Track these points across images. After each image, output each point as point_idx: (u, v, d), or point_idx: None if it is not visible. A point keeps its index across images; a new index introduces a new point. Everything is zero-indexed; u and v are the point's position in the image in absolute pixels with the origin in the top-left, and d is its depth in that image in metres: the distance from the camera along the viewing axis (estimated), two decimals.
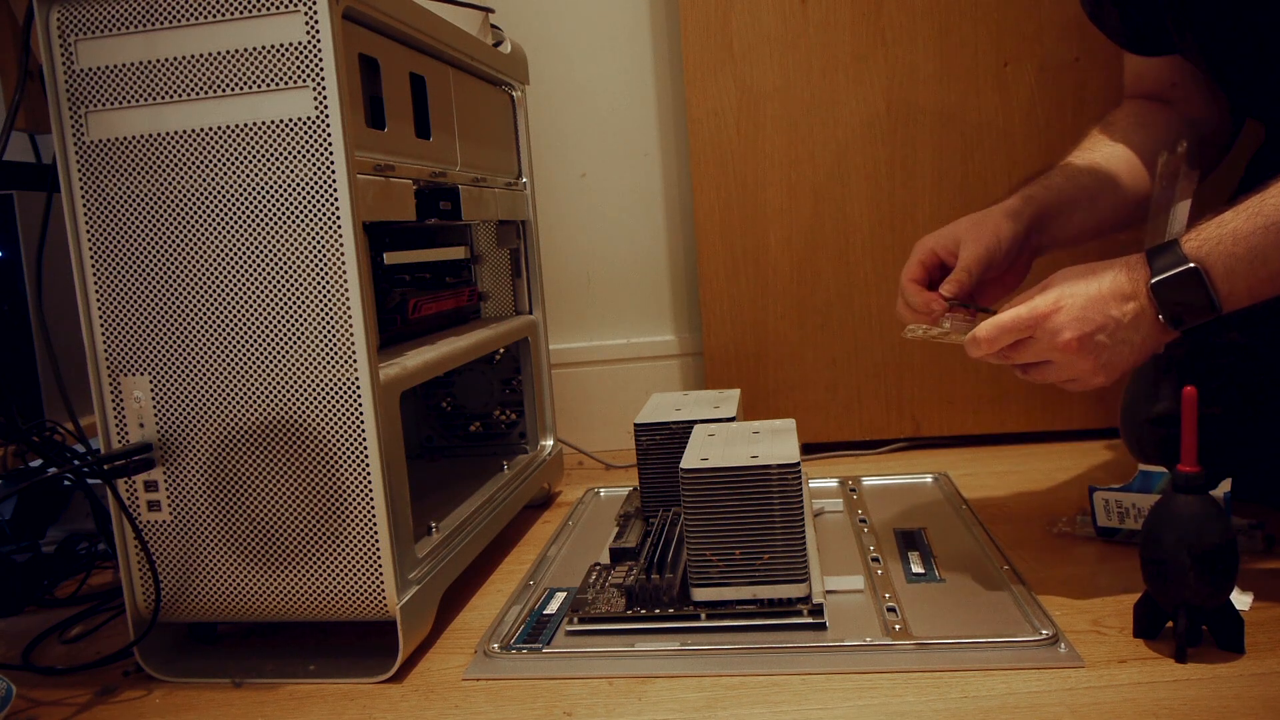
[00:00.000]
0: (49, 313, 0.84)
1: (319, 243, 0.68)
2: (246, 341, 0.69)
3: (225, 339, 0.69)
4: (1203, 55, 0.86)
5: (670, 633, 0.72)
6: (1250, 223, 0.67)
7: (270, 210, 0.68)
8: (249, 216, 0.68)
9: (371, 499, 0.69)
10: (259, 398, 0.70)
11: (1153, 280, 0.69)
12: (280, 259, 0.68)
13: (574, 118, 1.38)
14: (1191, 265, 0.68)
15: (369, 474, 0.69)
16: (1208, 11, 0.82)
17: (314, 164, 0.67)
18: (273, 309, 0.69)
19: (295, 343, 0.69)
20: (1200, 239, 0.69)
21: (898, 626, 0.71)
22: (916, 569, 0.82)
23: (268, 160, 0.67)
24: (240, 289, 0.69)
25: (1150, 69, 0.94)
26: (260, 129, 0.67)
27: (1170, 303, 0.69)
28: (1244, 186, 0.96)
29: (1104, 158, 0.92)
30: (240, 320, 0.69)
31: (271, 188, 0.68)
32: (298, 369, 0.69)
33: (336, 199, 0.67)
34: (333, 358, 0.69)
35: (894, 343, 1.26)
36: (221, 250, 0.69)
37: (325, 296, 0.68)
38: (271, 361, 0.69)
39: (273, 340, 0.69)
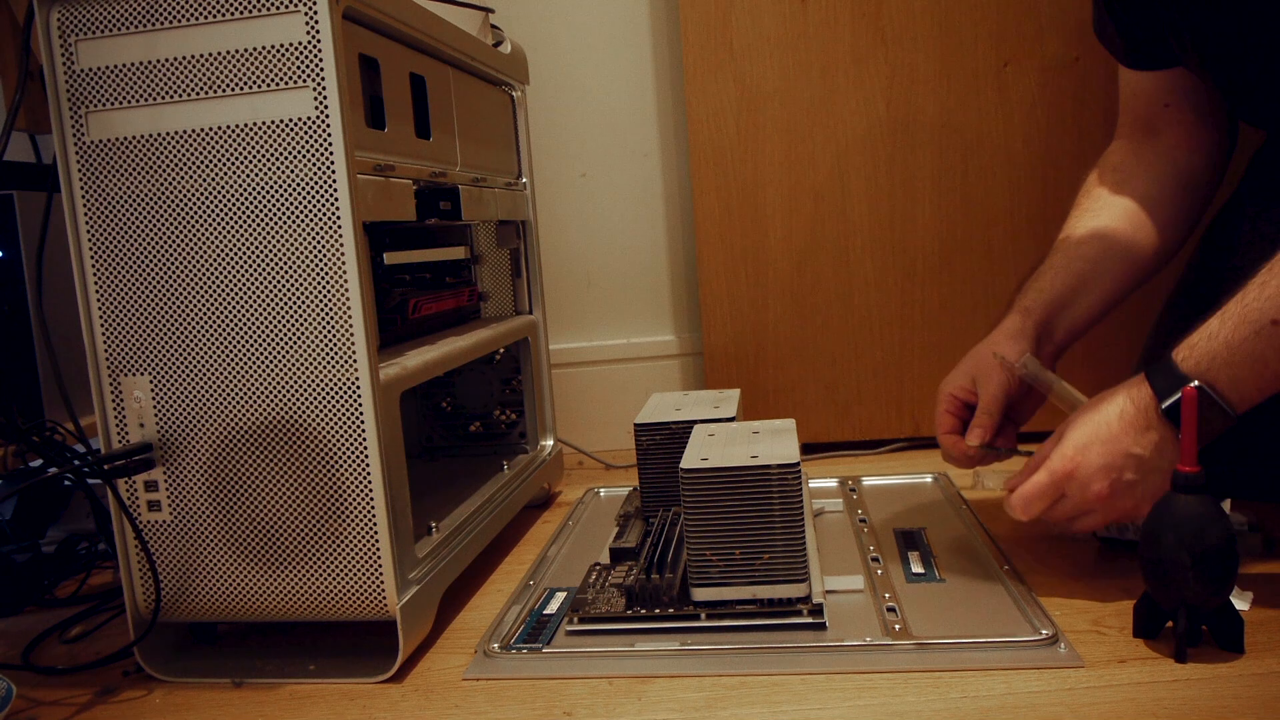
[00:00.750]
0: (49, 313, 0.84)
1: (319, 243, 0.68)
2: (247, 341, 0.69)
3: (225, 339, 0.69)
4: (1202, 63, 0.86)
5: (670, 633, 0.72)
6: (1239, 331, 0.68)
7: (270, 210, 0.68)
8: (249, 216, 0.68)
9: (371, 499, 0.69)
10: (259, 398, 0.70)
11: (1163, 406, 0.69)
12: (280, 259, 0.68)
13: (574, 118, 1.38)
14: (1197, 384, 0.68)
15: (369, 474, 0.69)
16: (1207, 21, 0.82)
17: (314, 164, 0.67)
18: (273, 309, 0.69)
19: (295, 343, 0.69)
20: (1196, 356, 0.69)
21: (898, 626, 0.71)
22: (916, 569, 0.82)
23: (268, 160, 0.67)
24: (240, 289, 0.69)
25: (1144, 86, 0.94)
26: (260, 129, 0.67)
27: None
28: (1245, 187, 0.96)
29: (1102, 221, 0.92)
30: (240, 320, 0.69)
31: (271, 188, 0.68)
32: (298, 369, 0.69)
33: (336, 199, 0.67)
34: (333, 358, 0.69)
35: (894, 343, 1.26)
36: (222, 250, 0.69)
37: (325, 296, 0.68)
38: (272, 361, 0.69)
39: (273, 340, 0.69)
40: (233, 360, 0.70)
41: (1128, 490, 0.71)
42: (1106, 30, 0.94)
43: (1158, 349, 0.98)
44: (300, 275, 0.68)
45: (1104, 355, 1.23)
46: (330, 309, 0.68)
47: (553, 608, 0.80)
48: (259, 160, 0.68)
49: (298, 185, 0.67)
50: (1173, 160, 0.92)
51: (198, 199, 0.69)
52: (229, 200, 0.68)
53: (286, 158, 0.67)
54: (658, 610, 0.73)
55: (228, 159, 0.68)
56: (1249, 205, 0.93)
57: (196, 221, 0.69)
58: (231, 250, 0.69)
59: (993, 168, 1.22)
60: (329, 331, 0.68)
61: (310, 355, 0.69)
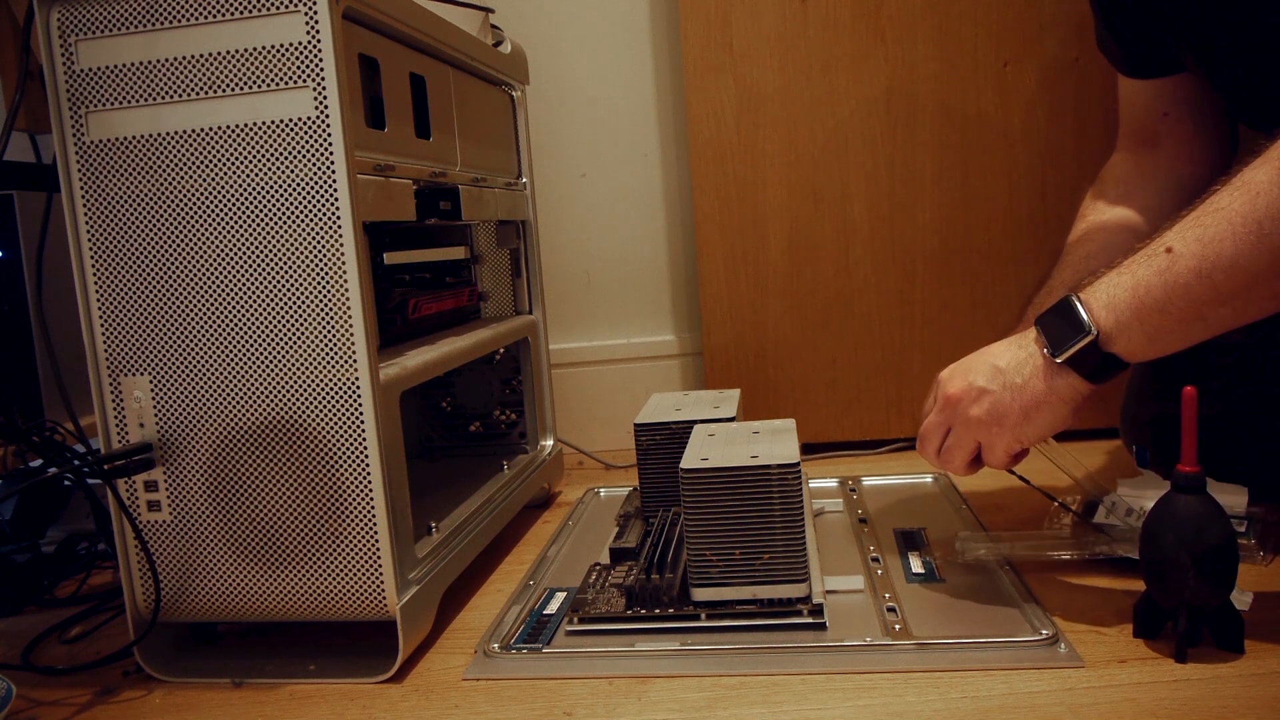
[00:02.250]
0: (49, 313, 0.84)
1: (319, 243, 0.68)
2: (247, 341, 0.69)
3: (225, 339, 0.69)
4: (1203, 70, 0.86)
5: (670, 633, 0.72)
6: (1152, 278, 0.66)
7: (270, 210, 0.68)
8: (249, 216, 0.68)
9: (371, 499, 0.69)
10: (259, 398, 0.70)
11: (1058, 359, 0.69)
12: (280, 259, 0.68)
13: (574, 118, 1.38)
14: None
15: (369, 474, 0.69)
16: (1208, 27, 0.82)
17: (314, 164, 0.67)
18: (273, 309, 0.69)
19: (295, 343, 0.69)
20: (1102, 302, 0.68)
21: (898, 626, 0.71)
22: (916, 569, 0.82)
23: (268, 160, 0.67)
24: (240, 289, 0.69)
25: (1143, 96, 0.94)
26: (260, 129, 0.67)
27: (1051, 334, 0.69)
28: None
29: (1107, 229, 0.92)
30: (240, 320, 0.69)
31: (271, 188, 0.68)
32: (298, 369, 0.69)
33: (336, 199, 0.67)
34: (333, 358, 0.69)
35: (894, 343, 1.26)
36: (222, 250, 0.69)
37: (325, 296, 0.68)
38: (271, 361, 0.69)
39: (273, 340, 0.69)
40: (233, 360, 0.70)
41: (977, 398, 0.71)
42: (1107, 42, 0.94)
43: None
44: (300, 275, 0.68)
45: None
46: (330, 309, 0.68)
47: (553, 608, 0.80)
48: (259, 160, 0.68)
49: (298, 185, 0.67)
50: (1174, 170, 0.92)
51: (198, 199, 0.69)
52: (229, 200, 0.68)
53: (286, 158, 0.67)
54: (658, 610, 0.73)
55: (228, 159, 0.68)
56: None
57: (196, 221, 0.69)
58: (231, 250, 0.69)
59: (993, 167, 1.22)
60: (329, 331, 0.68)
61: (310, 355, 0.69)
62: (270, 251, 0.68)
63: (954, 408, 0.74)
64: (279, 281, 0.68)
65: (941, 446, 0.76)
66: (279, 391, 0.69)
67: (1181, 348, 0.67)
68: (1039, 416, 0.70)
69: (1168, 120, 0.93)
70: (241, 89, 0.67)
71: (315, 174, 0.67)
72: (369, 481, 0.69)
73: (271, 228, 0.68)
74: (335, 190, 0.67)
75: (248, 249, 0.68)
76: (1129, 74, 0.94)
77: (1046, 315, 0.69)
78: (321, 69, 0.66)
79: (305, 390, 0.69)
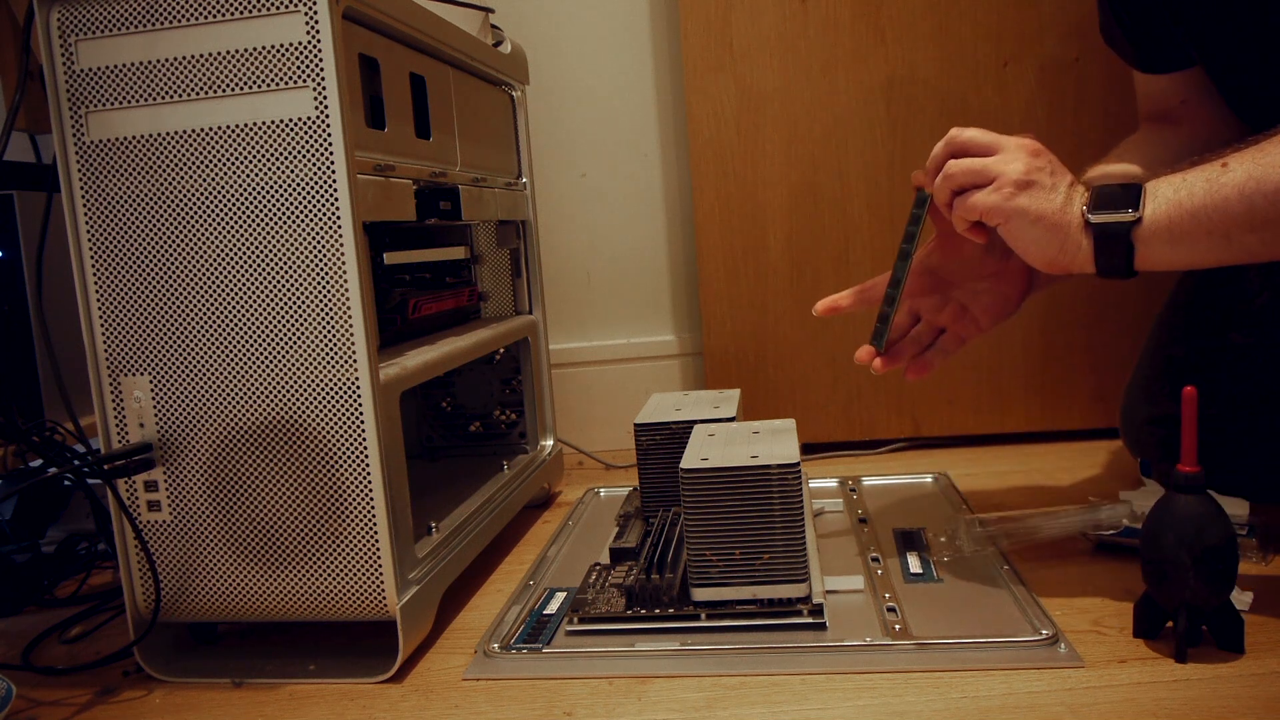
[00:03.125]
0: (49, 313, 0.84)
1: (319, 243, 0.68)
2: (247, 341, 0.69)
3: (225, 339, 0.69)
4: (1208, 71, 0.86)
5: (670, 633, 0.72)
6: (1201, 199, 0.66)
7: (270, 210, 0.68)
8: (249, 216, 0.68)
9: (371, 499, 0.69)
10: (259, 398, 0.70)
11: (1092, 220, 0.69)
12: (280, 259, 0.68)
13: (574, 118, 1.38)
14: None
15: (369, 474, 0.69)
16: (1212, 30, 0.82)
17: (314, 164, 0.67)
18: (273, 309, 0.69)
19: (295, 343, 0.69)
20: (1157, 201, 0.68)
21: (898, 626, 0.71)
22: (916, 569, 0.82)
23: (268, 160, 0.67)
24: (240, 289, 0.69)
25: (1158, 86, 0.93)
26: (260, 129, 0.67)
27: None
28: None
29: (1125, 159, 0.91)
30: (240, 320, 0.69)
31: (271, 188, 0.68)
32: (298, 369, 0.69)
33: (336, 199, 0.67)
34: (333, 358, 0.69)
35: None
36: (222, 250, 0.69)
37: (325, 296, 0.68)
38: (271, 361, 0.69)
39: (273, 340, 0.69)
40: (233, 360, 0.70)
41: (1033, 168, 0.71)
42: (1115, 37, 0.93)
43: (1159, 349, 0.98)
44: (300, 275, 0.68)
45: (1105, 356, 1.23)
46: (330, 309, 0.68)
47: (553, 608, 0.80)
48: (259, 160, 0.68)
49: (298, 185, 0.67)
50: (1197, 136, 0.91)
51: (198, 199, 0.69)
52: (229, 200, 0.68)
53: (286, 158, 0.67)
54: (658, 610, 0.73)
55: (228, 159, 0.68)
56: None
57: (196, 221, 0.69)
58: (231, 250, 0.69)
59: None
60: (329, 331, 0.68)
61: (310, 355, 0.69)
62: (270, 252, 0.68)
63: (1025, 157, 0.71)
64: (279, 282, 0.68)
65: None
66: (279, 391, 0.69)
67: (1199, 264, 0.67)
68: (1050, 245, 0.70)
69: (1187, 105, 0.92)
70: (241, 89, 0.67)
71: (315, 174, 0.67)
72: (369, 481, 0.69)
73: (271, 228, 0.68)
74: (335, 190, 0.67)
75: (248, 249, 0.68)
76: (1143, 69, 0.94)
77: (1108, 186, 0.70)
78: (321, 69, 0.66)
79: (305, 390, 0.69)
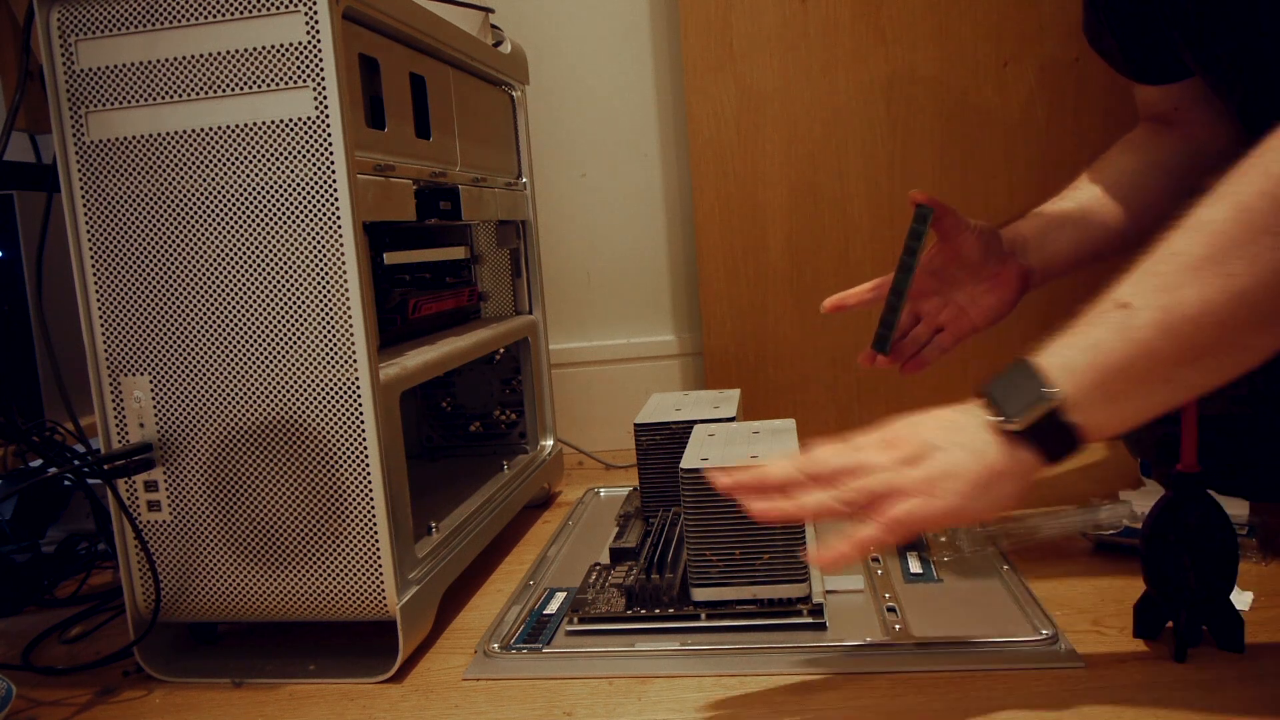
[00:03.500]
0: (49, 313, 0.84)
1: (319, 243, 0.68)
2: (247, 341, 0.69)
3: (225, 339, 0.69)
4: (1205, 79, 0.86)
5: (670, 633, 0.72)
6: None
7: (270, 210, 0.68)
8: (249, 216, 0.68)
9: (371, 499, 0.69)
10: (259, 398, 0.70)
11: (1016, 430, 0.58)
12: (280, 259, 0.68)
13: (574, 118, 1.38)
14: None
15: (369, 474, 0.69)
16: (1207, 39, 0.82)
17: (314, 164, 0.67)
18: (273, 309, 0.69)
19: (295, 343, 0.69)
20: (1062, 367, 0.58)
21: (898, 626, 0.71)
22: (916, 569, 0.82)
23: (268, 160, 0.67)
24: (240, 289, 0.69)
25: (1154, 94, 0.93)
26: (260, 129, 0.67)
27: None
28: None
29: (1090, 185, 0.91)
30: (240, 320, 0.69)
31: (271, 188, 0.68)
32: (298, 369, 0.69)
33: (336, 199, 0.67)
34: (333, 358, 0.69)
35: None
36: (222, 250, 0.69)
37: (325, 296, 0.68)
38: (272, 361, 0.69)
39: (273, 340, 0.69)
40: (233, 360, 0.70)
41: (945, 462, 0.58)
42: (1109, 49, 0.93)
43: None
44: (300, 275, 0.68)
45: None
46: (330, 309, 0.68)
47: (553, 608, 0.80)
48: (259, 160, 0.68)
49: (298, 185, 0.67)
50: (1193, 139, 0.91)
51: (198, 199, 0.69)
52: (229, 200, 0.68)
53: (286, 158, 0.67)
54: (658, 610, 0.73)
55: (228, 159, 0.68)
56: None
57: (196, 221, 0.69)
58: (231, 250, 0.69)
59: (992, 167, 1.22)
60: (329, 331, 0.68)
61: (310, 355, 0.69)
62: (270, 251, 0.68)
63: (890, 450, 0.60)
64: (279, 282, 0.68)
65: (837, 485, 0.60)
66: (279, 391, 0.69)
67: (1147, 418, 0.58)
68: (999, 488, 0.58)
69: (1180, 110, 0.92)
70: (241, 89, 0.67)
71: (315, 174, 0.67)
72: (369, 481, 0.69)
73: (271, 228, 0.68)
74: (335, 190, 0.67)
75: (248, 249, 0.68)
76: (1133, 80, 0.94)
77: (996, 381, 0.60)
78: (321, 69, 0.66)
79: (305, 390, 0.69)
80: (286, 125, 0.67)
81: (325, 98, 0.66)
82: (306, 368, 0.69)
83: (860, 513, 0.59)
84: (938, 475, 0.58)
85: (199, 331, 0.70)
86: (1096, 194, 0.90)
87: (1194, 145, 0.91)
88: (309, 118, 0.66)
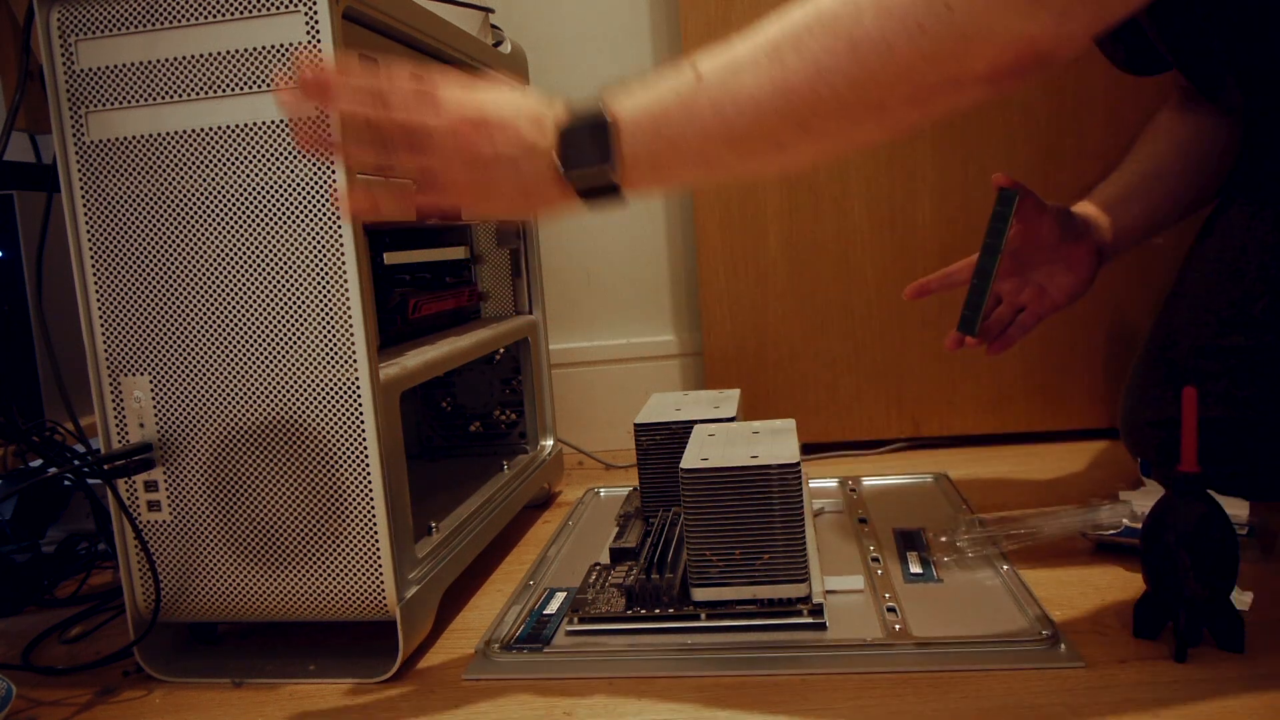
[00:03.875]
0: (49, 313, 0.84)
1: (319, 243, 0.68)
2: (247, 341, 0.69)
3: (225, 339, 0.69)
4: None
5: (670, 633, 0.72)
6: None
7: (270, 210, 0.68)
8: (249, 216, 0.68)
9: (371, 499, 0.69)
10: (259, 398, 0.70)
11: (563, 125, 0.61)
12: (280, 259, 0.68)
13: None
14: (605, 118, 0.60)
15: (369, 474, 0.69)
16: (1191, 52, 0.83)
17: (314, 164, 0.67)
18: (273, 309, 0.69)
19: (295, 343, 0.69)
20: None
21: (898, 626, 0.71)
22: (916, 569, 0.82)
23: (268, 160, 0.67)
24: (240, 289, 0.69)
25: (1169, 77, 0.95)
26: (260, 129, 0.67)
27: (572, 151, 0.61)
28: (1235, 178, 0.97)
29: (1148, 152, 0.94)
30: (240, 320, 0.69)
31: (271, 188, 0.68)
32: (298, 369, 0.69)
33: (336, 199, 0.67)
34: (333, 358, 0.69)
35: (894, 343, 1.26)
36: (222, 250, 0.69)
37: (325, 296, 0.68)
38: (272, 361, 0.69)
39: (273, 340, 0.69)
40: (233, 360, 0.70)
41: (473, 140, 0.59)
42: (1116, 55, 0.94)
43: (1159, 350, 0.98)
44: (300, 275, 0.68)
45: (1105, 356, 1.23)
46: (330, 309, 0.68)
47: (553, 608, 0.80)
48: (259, 160, 0.68)
49: (297, 185, 0.67)
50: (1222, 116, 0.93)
51: (198, 199, 0.69)
52: (229, 200, 0.68)
53: (286, 158, 0.67)
54: (658, 610, 0.73)
55: (228, 159, 0.68)
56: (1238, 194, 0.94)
57: (196, 221, 0.69)
58: (231, 250, 0.69)
59: (993, 168, 1.22)
60: (329, 331, 0.68)
61: (310, 355, 0.69)
62: (270, 251, 0.68)
63: (456, 132, 0.59)
64: (279, 281, 0.68)
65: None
66: (279, 391, 0.69)
67: (682, 185, 0.62)
68: (528, 210, 0.62)
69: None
70: (241, 89, 0.67)
71: (315, 174, 0.67)
72: (369, 481, 0.69)
73: (271, 228, 0.68)
74: (335, 190, 0.67)
75: (248, 249, 0.69)
76: (1132, 72, 0.95)
77: (573, 125, 0.62)
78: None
79: (305, 390, 0.69)
80: (287, 125, 0.67)
81: None
82: (306, 368, 0.69)
83: (393, 157, 0.59)
84: (485, 186, 0.60)
85: (199, 331, 0.70)
86: (1157, 162, 0.93)
87: (1227, 122, 0.92)
88: (309, 118, 0.66)
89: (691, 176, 0.62)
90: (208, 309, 0.69)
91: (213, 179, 0.68)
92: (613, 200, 0.62)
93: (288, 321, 0.69)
